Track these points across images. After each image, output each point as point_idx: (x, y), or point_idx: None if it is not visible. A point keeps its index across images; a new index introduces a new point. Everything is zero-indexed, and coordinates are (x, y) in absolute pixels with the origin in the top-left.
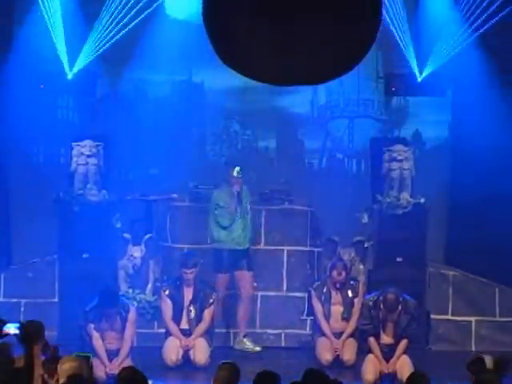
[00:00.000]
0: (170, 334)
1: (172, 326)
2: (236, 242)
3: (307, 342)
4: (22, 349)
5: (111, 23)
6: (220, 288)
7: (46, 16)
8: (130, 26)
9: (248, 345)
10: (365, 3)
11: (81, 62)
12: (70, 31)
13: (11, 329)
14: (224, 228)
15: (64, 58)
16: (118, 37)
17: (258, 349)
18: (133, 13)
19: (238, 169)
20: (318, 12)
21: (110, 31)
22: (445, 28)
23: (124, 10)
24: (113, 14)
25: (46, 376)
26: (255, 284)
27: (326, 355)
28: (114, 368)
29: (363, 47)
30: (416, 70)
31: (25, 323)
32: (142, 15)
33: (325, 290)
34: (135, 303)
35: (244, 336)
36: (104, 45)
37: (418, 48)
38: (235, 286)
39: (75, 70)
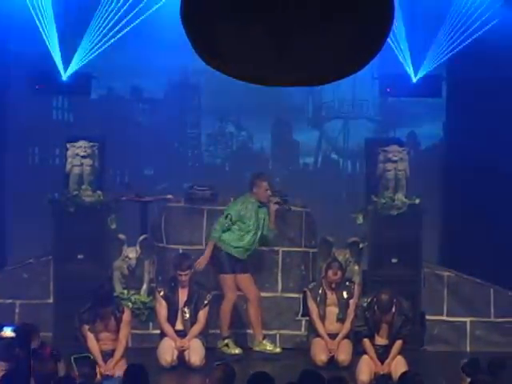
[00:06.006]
0: (165, 335)
1: (167, 327)
2: (236, 251)
3: (302, 343)
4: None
5: (107, 24)
6: (230, 289)
7: (39, 17)
8: (126, 28)
9: (269, 346)
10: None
11: (76, 63)
12: (65, 32)
13: (7, 332)
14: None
15: (59, 59)
16: (113, 39)
17: (278, 350)
18: (129, 14)
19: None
20: (319, 9)
21: (106, 32)
22: (440, 28)
23: (119, 11)
24: (108, 14)
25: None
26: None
27: (321, 356)
28: (109, 369)
29: (372, 48)
30: (411, 71)
31: (20, 326)
32: (139, 17)
33: (320, 291)
34: (130, 304)
35: (263, 338)
36: (99, 45)
37: (412, 49)
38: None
39: (70, 71)
